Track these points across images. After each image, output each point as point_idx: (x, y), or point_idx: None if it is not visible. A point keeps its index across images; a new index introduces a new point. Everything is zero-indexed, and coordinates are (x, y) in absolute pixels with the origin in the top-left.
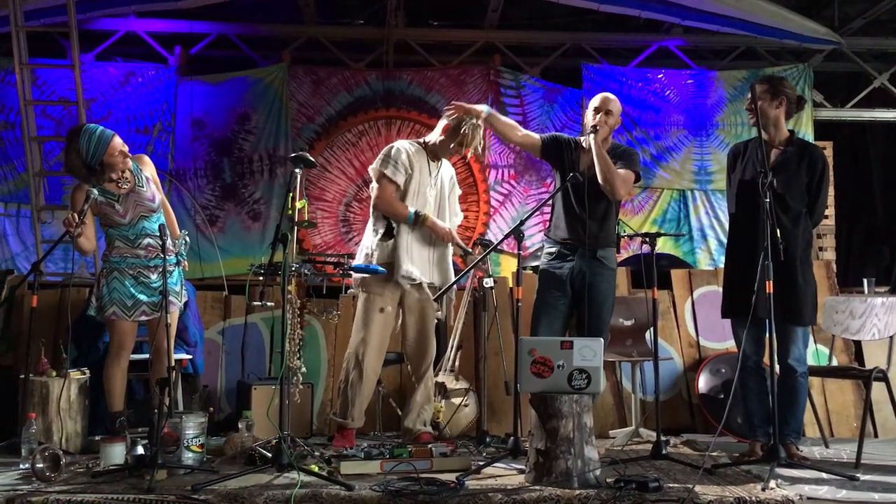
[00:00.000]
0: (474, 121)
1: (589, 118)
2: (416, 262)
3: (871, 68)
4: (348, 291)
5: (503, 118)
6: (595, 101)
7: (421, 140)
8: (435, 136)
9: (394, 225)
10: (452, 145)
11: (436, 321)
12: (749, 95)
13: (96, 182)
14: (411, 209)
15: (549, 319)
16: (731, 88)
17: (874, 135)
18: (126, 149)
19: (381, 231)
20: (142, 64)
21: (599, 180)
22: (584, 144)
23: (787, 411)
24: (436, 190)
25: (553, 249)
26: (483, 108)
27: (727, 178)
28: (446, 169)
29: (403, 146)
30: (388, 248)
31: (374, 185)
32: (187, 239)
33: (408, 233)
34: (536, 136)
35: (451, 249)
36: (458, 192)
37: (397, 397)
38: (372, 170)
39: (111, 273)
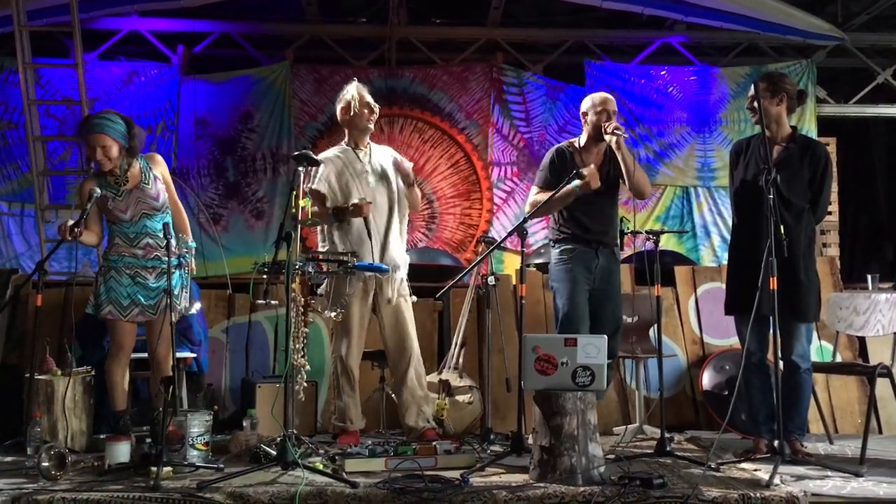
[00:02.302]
0: (353, 82)
1: (592, 118)
2: (376, 251)
3: (874, 64)
4: (335, 311)
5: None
6: (600, 103)
7: (342, 143)
8: (345, 129)
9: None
10: (364, 111)
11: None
12: (751, 94)
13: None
14: (330, 209)
15: (587, 305)
16: (735, 85)
17: (878, 130)
18: (108, 151)
19: (328, 234)
20: (145, 63)
21: (629, 184)
22: (577, 145)
23: (792, 407)
24: (377, 175)
25: (573, 246)
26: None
27: (730, 176)
28: (381, 152)
29: (327, 156)
30: (346, 246)
31: None
32: (191, 244)
33: (344, 231)
34: (540, 190)
35: (398, 231)
36: (408, 164)
37: None
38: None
39: (108, 272)
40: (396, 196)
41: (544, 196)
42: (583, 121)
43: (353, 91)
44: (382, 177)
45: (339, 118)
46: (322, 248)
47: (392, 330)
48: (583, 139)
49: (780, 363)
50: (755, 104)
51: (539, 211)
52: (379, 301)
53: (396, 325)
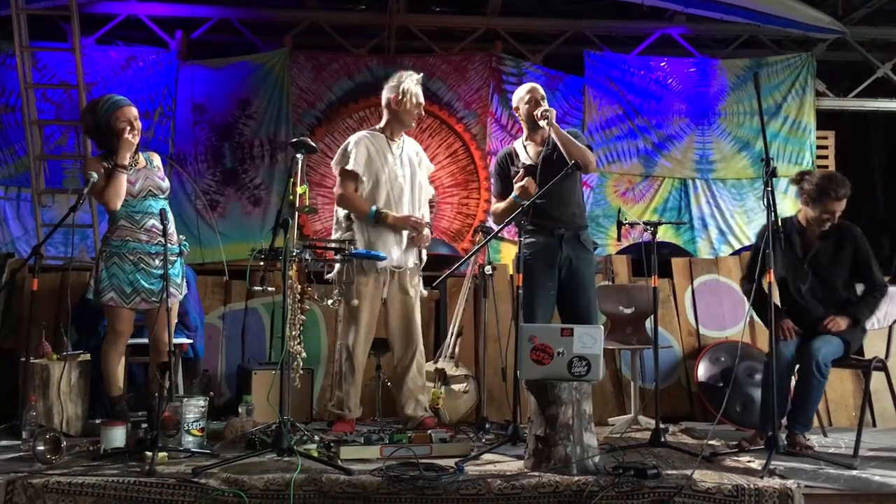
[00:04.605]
0: (414, 75)
1: (524, 110)
2: (395, 247)
3: (874, 58)
4: (332, 298)
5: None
6: (526, 93)
7: (376, 127)
8: (386, 117)
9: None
10: (414, 110)
11: (420, 300)
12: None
13: (104, 146)
14: (372, 207)
15: (547, 306)
16: (734, 77)
17: (877, 125)
18: (137, 122)
19: (346, 219)
20: (143, 48)
21: (569, 159)
22: (521, 145)
23: (803, 403)
24: (405, 169)
25: (536, 238)
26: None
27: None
28: (410, 145)
29: (359, 136)
30: (365, 237)
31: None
32: (186, 243)
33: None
34: (498, 198)
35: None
36: (430, 167)
37: None
38: (334, 167)
39: (111, 258)
40: (418, 192)
41: (500, 206)
42: (518, 116)
43: (410, 85)
44: (410, 172)
45: (384, 103)
46: (335, 232)
47: (399, 321)
48: (525, 135)
49: (774, 358)
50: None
51: (498, 220)
52: (389, 293)
53: (404, 316)
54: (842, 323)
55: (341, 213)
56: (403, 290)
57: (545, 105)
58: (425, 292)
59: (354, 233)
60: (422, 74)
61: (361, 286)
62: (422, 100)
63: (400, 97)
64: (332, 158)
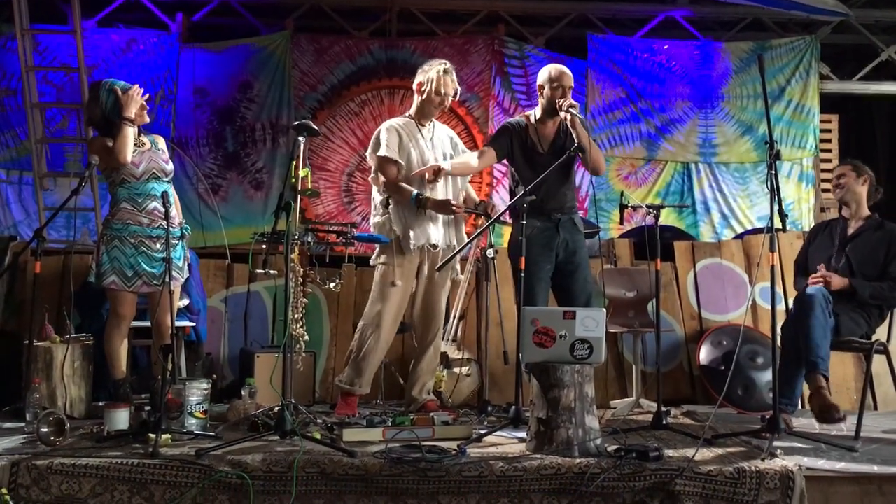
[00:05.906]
0: (443, 65)
1: (548, 93)
2: (431, 227)
3: (878, 41)
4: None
5: (457, 160)
6: (556, 78)
7: (406, 113)
8: (415, 102)
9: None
10: (434, 98)
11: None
12: (836, 173)
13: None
14: (414, 192)
15: (547, 288)
16: (738, 60)
17: (880, 108)
18: (141, 99)
19: (383, 205)
20: (144, 31)
21: (583, 160)
22: (532, 120)
23: (783, 374)
24: (437, 152)
25: (534, 222)
26: (444, 165)
27: (802, 249)
28: (441, 130)
29: (389, 123)
30: (401, 219)
31: (373, 173)
32: (187, 227)
33: (402, 206)
34: (487, 147)
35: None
36: (466, 150)
37: (399, 366)
38: (369, 157)
39: (112, 241)
40: (451, 177)
41: (474, 155)
42: (539, 93)
43: (433, 74)
44: (442, 155)
45: (413, 87)
46: (373, 216)
47: (425, 301)
48: (538, 112)
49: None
50: (840, 180)
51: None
52: (421, 272)
53: (431, 297)
54: (835, 281)
55: (378, 197)
56: (435, 270)
57: (570, 98)
58: (461, 277)
59: (391, 215)
60: (451, 67)
61: (398, 267)
62: (445, 91)
63: (424, 85)
64: (333, 142)
